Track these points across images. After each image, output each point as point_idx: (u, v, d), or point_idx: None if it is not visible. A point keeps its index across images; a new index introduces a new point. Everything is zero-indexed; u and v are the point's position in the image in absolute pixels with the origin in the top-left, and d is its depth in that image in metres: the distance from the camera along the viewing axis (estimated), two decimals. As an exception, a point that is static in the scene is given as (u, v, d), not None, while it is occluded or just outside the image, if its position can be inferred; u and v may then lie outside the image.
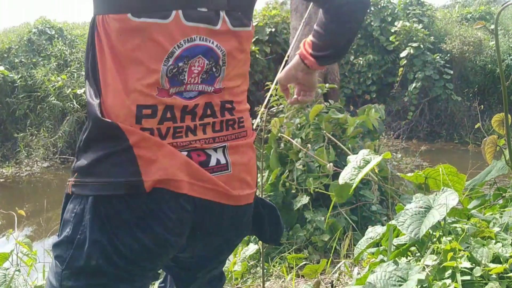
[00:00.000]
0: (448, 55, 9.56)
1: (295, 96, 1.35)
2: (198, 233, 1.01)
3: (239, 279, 2.65)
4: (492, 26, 1.81)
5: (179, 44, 0.90)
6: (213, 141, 0.98)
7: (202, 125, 0.97)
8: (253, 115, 4.04)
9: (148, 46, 0.89)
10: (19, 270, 2.06)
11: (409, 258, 1.45)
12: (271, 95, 3.85)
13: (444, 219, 1.33)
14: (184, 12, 0.89)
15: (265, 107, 2.62)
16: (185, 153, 0.94)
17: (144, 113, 0.90)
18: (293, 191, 3.17)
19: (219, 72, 0.97)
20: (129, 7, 0.87)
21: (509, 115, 1.73)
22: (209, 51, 0.94)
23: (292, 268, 2.57)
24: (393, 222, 1.42)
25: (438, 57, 9.41)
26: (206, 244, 1.09)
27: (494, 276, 1.16)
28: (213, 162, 0.98)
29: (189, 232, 0.99)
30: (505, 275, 1.15)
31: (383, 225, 1.73)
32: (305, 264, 2.49)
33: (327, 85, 3.83)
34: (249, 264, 2.82)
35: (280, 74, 1.40)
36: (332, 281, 2.14)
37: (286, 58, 2.72)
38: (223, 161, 0.99)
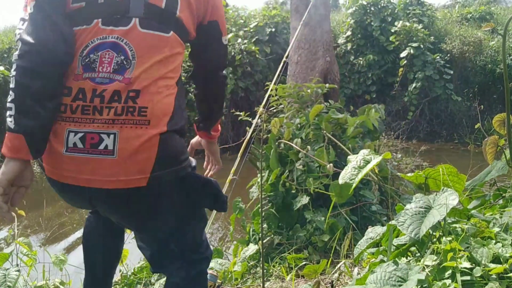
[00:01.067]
0: (448, 55, 9.57)
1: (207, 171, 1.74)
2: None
3: (239, 279, 2.65)
4: (488, 23, 1.81)
5: (93, 40, 1.21)
6: (113, 123, 1.17)
7: (107, 107, 1.18)
8: (253, 114, 4.05)
9: (76, 43, 1.21)
10: (19, 271, 2.06)
11: (409, 258, 1.45)
12: (270, 95, 3.85)
13: (444, 219, 1.33)
14: (103, 20, 1.21)
15: (264, 107, 2.62)
16: (82, 134, 1.18)
17: (63, 92, 1.20)
18: (293, 191, 3.16)
19: (130, 65, 1.20)
20: (74, 23, 1.23)
21: (510, 115, 1.73)
22: (117, 46, 1.20)
23: (292, 268, 2.57)
24: (393, 222, 1.42)
25: (438, 57, 9.41)
26: (111, 216, 1.39)
27: (494, 276, 1.16)
28: (102, 146, 1.18)
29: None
30: (505, 275, 1.15)
31: (383, 225, 1.73)
32: (305, 264, 2.49)
33: (327, 85, 3.83)
34: (249, 264, 2.82)
35: (193, 139, 1.79)
36: (332, 281, 2.14)
37: (284, 59, 2.73)
38: (110, 147, 1.18)
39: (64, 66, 1.20)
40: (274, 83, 2.67)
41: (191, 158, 1.39)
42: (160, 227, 1.39)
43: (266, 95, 2.81)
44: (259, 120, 3.76)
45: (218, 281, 2.08)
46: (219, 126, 1.72)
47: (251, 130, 2.46)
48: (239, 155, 2.37)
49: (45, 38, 1.17)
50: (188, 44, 1.43)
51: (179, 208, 1.37)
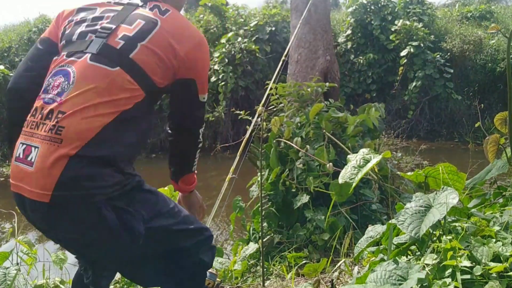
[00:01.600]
0: (449, 54, 9.56)
1: None
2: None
3: (239, 278, 2.65)
4: (493, 25, 1.80)
5: (54, 68, 1.46)
6: (40, 138, 1.33)
7: (42, 124, 1.35)
8: (253, 113, 4.05)
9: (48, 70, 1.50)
10: (19, 270, 2.06)
11: (409, 257, 1.45)
12: (271, 94, 3.85)
13: (444, 218, 1.33)
14: (67, 53, 1.47)
15: (263, 105, 2.62)
16: (25, 146, 1.37)
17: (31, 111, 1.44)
18: (293, 190, 3.16)
19: (68, 89, 1.37)
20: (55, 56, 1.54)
21: None
22: (67, 73, 1.42)
23: (292, 267, 2.57)
24: (393, 221, 1.42)
25: (438, 56, 9.40)
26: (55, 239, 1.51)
27: (494, 275, 1.15)
28: (29, 157, 1.33)
29: None
30: (505, 274, 1.15)
31: (383, 224, 1.73)
32: (305, 263, 2.49)
33: (327, 84, 3.83)
34: (249, 263, 2.82)
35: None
36: (332, 280, 2.14)
37: (283, 58, 2.72)
38: (33, 159, 1.32)
39: (24, 100, 1.51)
40: (274, 82, 2.67)
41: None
42: (89, 253, 1.54)
43: (266, 94, 2.80)
44: (258, 119, 3.76)
45: (218, 279, 2.08)
46: (192, 180, 1.81)
47: (250, 129, 2.46)
48: (238, 153, 2.37)
49: (15, 81, 1.59)
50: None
51: (99, 236, 1.40)
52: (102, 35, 1.47)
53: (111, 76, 1.40)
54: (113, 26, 1.48)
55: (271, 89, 3.11)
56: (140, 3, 1.58)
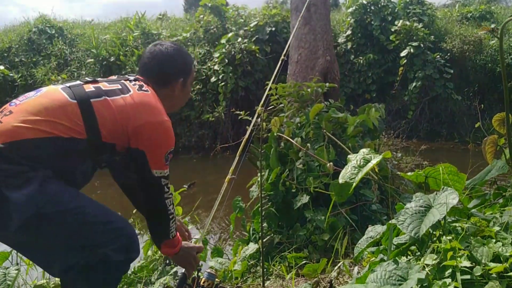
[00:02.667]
0: (448, 54, 9.55)
1: None
2: None
3: (239, 278, 2.65)
4: (492, 25, 1.80)
5: None
6: None
7: None
8: (253, 114, 4.04)
9: None
10: (19, 270, 2.06)
11: (409, 257, 1.45)
12: (270, 94, 3.85)
13: (444, 218, 1.33)
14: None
15: (262, 106, 2.62)
16: None
17: None
18: (293, 190, 3.16)
19: (29, 98, 1.67)
20: None
21: (510, 115, 1.73)
22: (40, 90, 1.73)
23: (292, 267, 2.56)
24: (393, 221, 1.42)
25: (438, 56, 9.39)
26: None
27: (494, 275, 1.15)
28: None
29: None
30: (505, 274, 1.15)
31: (383, 224, 1.73)
32: (305, 263, 2.49)
33: (327, 84, 3.83)
34: (249, 263, 2.82)
35: None
36: (331, 280, 2.14)
37: (282, 57, 2.71)
38: None
39: None
40: (273, 82, 2.67)
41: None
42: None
43: (265, 94, 2.80)
44: (258, 120, 3.75)
45: (217, 280, 2.08)
46: (175, 243, 1.90)
47: (250, 129, 2.47)
48: (237, 154, 2.37)
49: None
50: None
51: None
52: (86, 81, 1.73)
53: (66, 104, 1.61)
54: (98, 80, 1.75)
55: (270, 89, 3.10)
56: (131, 78, 1.82)
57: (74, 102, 1.62)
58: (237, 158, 2.27)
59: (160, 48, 1.90)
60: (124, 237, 1.72)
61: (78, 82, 1.73)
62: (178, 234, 1.91)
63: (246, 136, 2.41)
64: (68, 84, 1.70)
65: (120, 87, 1.74)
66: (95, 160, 1.73)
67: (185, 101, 2.06)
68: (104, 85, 1.73)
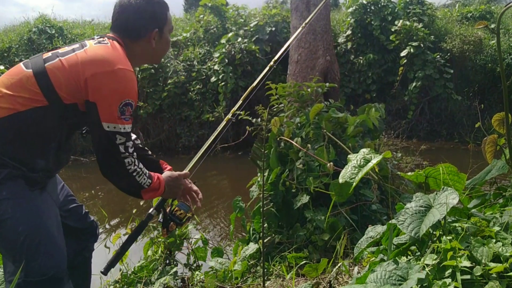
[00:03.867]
0: (448, 54, 9.55)
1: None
2: None
3: (239, 278, 2.65)
4: (493, 25, 1.80)
5: None
6: None
7: None
8: (253, 114, 4.04)
9: None
10: (19, 270, 2.06)
11: (409, 257, 1.45)
12: (270, 95, 3.85)
13: (444, 218, 1.33)
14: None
15: (238, 109, 2.60)
16: None
17: None
18: (293, 190, 3.16)
19: None
20: None
21: (509, 114, 1.73)
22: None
23: (292, 267, 2.57)
24: (393, 221, 1.42)
25: (438, 56, 9.39)
26: None
27: (494, 275, 1.16)
28: None
29: None
30: (505, 274, 1.15)
31: (383, 224, 1.73)
32: (305, 263, 2.49)
33: (327, 84, 3.83)
34: (249, 263, 2.82)
35: None
36: (330, 281, 2.14)
37: (271, 63, 2.66)
38: None
39: None
40: (257, 87, 2.65)
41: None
42: None
43: (242, 99, 2.77)
44: (259, 120, 3.75)
45: (189, 214, 2.02)
46: (154, 188, 1.82)
47: (214, 135, 2.46)
48: (198, 155, 2.37)
49: None
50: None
51: None
52: (48, 49, 1.71)
53: (21, 75, 1.61)
54: (61, 47, 1.71)
55: (250, 93, 3.08)
56: (97, 37, 1.76)
57: (29, 71, 1.61)
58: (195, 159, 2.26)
59: (129, 0, 1.78)
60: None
61: (40, 53, 1.71)
62: (155, 178, 1.81)
63: (211, 138, 2.39)
64: (31, 57, 1.69)
65: (77, 45, 1.69)
66: (67, 126, 1.69)
67: (166, 51, 1.94)
68: (62, 49, 1.69)
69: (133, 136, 1.99)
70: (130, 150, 1.68)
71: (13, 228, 1.58)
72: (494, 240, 1.27)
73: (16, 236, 1.59)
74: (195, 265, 2.99)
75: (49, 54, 1.67)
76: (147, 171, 1.78)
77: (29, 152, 1.63)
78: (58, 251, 1.66)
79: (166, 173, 1.96)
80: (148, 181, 1.77)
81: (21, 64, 1.67)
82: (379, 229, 1.61)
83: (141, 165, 1.74)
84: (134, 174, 1.71)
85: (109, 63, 1.61)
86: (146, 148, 2.15)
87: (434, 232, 1.38)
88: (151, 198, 1.88)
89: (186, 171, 2.06)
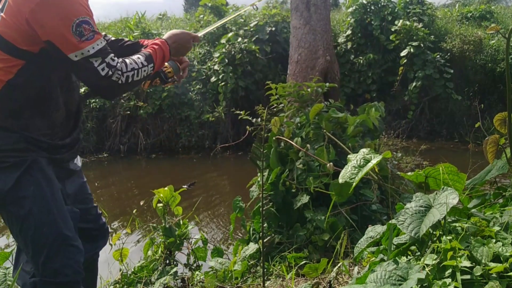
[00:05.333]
0: (448, 54, 9.55)
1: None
2: None
3: (239, 278, 2.65)
4: (493, 25, 1.80)
5: None
6: None
7: None
8: (253, 114, 4.04)
9: None
10: (19, 270, 2.06)
11: (409, 257, 1.45)
12: (270, 95, 3.85)
13: (444, 218, 1.33)
14: None
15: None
16: None
17: None
18: (293, 190, 3.16)
19: None
20: None
21: (511, 115, 1.72)
22: None
23: (292, 267, 2.56)
24: (393, 221, 1.42)
25: (438, 56, 9.39)
26: None
27: (494, 275, 1.16)
28: None
29: None
30: (505, 274, 1.15)
31: (383, 224, 1.73)
32: (305, 263, 2.49)
33: (327, 84, 3.83)
34: (249, 264, 2.82)
35: None
36: (331, 281, 2.14)
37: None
38: None
39: None
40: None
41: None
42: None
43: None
44: (259, 119, 3.75)
45: (176, 78, 1.91)
46: (160, 57, 1.72)
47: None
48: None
49: None
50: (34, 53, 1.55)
51: None
52: (0, 10, 1.55)
53: None
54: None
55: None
56: None
57: None
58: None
59: None
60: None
61: None
62: (154, 54, 1.69)
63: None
64: None
65: None
66: (58, 78, 1.64)
67: None
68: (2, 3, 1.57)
69: (103, 36, 1.85)
70: (113, 63, 1.55)
71: (37, 227, 1.58)
72: (494, 240, 1.27)
73: (39, 236, 1.58)
74: (195, 265, 2.99)
75: None
76: (141, 57, 1.64)
77: (39, 116, 1.60)
78: (78, 255, 1.65)
79: (173, 32, 1.83)
80: (150, 66, 1.66)
81: None
82: (379, 229, 1.61)
83: (130, 64, 1.60)
84: (132, 79, 1.60)
85: None
86: (120, 38, 1.99)
87: (434, 232, 1.38)
88: (163, 65, 1.79)
89: (198, 34, 1.93)
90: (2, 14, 1.52)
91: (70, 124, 1.74)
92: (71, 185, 1.81)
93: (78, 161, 1.89)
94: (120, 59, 1.59)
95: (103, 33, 1.87)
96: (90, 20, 1.51)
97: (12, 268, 2.04)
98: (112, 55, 1.56)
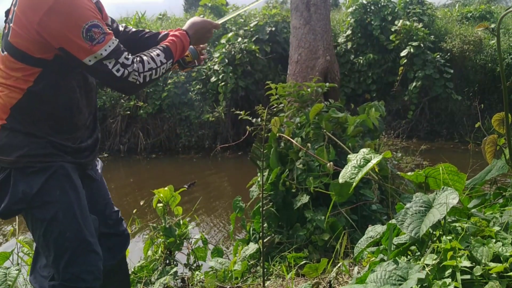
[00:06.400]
0: (448, 54, 9.55)
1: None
2: None
3: (239, 278, 2.65)
4: (493, 25, 1.80)
5: None
6: None
7: None
8: (253, 114, 4.04)
9: None
10: (19, 270, 2.06)
11: (409, 257, 1.45)
12: (270, 94, 3.85)
13: (444, 218, 1.33)
14: None
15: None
16: None
17: None
18: (293, 190, 3.16)
19: None
20: None
21: (509, 114, 1.73)
22: None
23: (292, 267, 2.57)
24: (393, 221, 1.42)
25: (438, 56, 9.39)
26: None
27: (494, 275, 1.16)
28: None
29: None
30: (505, 274, 1.15)
31: (383, 224, 1.73)
32: (305, 263, 2.49)
33: (327, 84, 3.83)
34: (249, 264, 2.82)
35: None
36: (331, 281, 2.14)
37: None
38: None
39: None
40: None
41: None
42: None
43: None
44: (259, 119, 3.75)
45: (196, 63, 1.90)
46: (181, 50, 1.73)
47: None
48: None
49: None
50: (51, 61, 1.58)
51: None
52: (10, 20, 1.57)
53: (3, 60, 1.58)
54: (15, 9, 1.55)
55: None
56: None
57: (5, 54, 1.58)
58: None
59: None
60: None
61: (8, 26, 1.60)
62: (173, 47, 1.67)
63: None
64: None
65: (15, 0, 1.57)
66: (76, 82, 1.66)
67: None
68: (11, 13, 1.58)
69: (118, 27, 1.88)
70: (128, 62, 1.54)
71: (61, 232, 1.59)
72: (494, 240, 1.27)
73: (62, 240, 1.60)
74: (195, 265, 2.99)
75: (7, 25, 1.59)
76: (161, 54, 1.62)
77: (62, 121, 1.63)
78: (99, 261, 1.67)
79: (193, 21, 1.82)
80: (169, 62, 1.65)
81: None
82: (379, 229, 1.61)
83: (148, 63, 1.59)
84: (150, 78, 1.60)
85: (40, 2, 1.46)
86: (140, 29, 1.98)
87: (434, 232, 1.38)
88: (183, 55, 1.78)
89: (218, 22, 1.92)
90: (11, 25, 1.54)
91: (91, 125, 1.77)
92: (93, 191, 1.82)
93: (99, 166, 1.91)
94: (138, 58, 1.59)
95: (123, 24, 1.92)
96: (99, 23, 1.52)
97: (12, 268, 2.04)
98: (126, 53, 1.55)
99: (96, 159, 1.87)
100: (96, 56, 1.50)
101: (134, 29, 1.97)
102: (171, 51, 1.67)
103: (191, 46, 1.85)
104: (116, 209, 1.96)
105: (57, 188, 1.59)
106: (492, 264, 1.17)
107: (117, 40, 1.57)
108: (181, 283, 2.73)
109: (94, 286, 1.64)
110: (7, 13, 1.61)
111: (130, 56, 1.56)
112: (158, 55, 1.63)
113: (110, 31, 1.56)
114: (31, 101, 1.57)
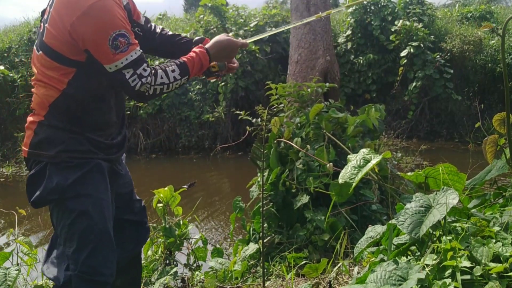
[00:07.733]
0: (448, 54, 9.55)
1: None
2: None
3: (239, 279, 2.65)
4: (493, 25, 1.80)
5: None
6: None
7: None
8: (253, 114, 4.04)
9: None
10: (19, 270, 2.06)
11: (409, 257, 1.45)
12: (270, 94, 3.85)
13: (444, 218, 1.33)
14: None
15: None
16: None
17: None
18: (293, 191, 3.16)
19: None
20: None
21: (510, 114, 1.73)
22: None
23: (292, 267, 2.57)
24: (393, 221, 1.42)
25: (438, 56, 9.39)
26: None
27: (494, 275, 1.16)
28: None
29: None
30: (505, 274, 1.15)
31: (383, 224, 1.73)
32: (305, 263, 2.49)
33: (327, 84, 3.83)
34: (249, 264, 2.82)
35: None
36: (331, 281, 2.14)
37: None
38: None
39: None
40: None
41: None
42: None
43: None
44: (259, 119, 3.75)
45: (223, 72, 1.95)
46: (199, 68, 1.77)
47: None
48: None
49: None
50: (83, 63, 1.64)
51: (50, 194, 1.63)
52: (45, 20, 1.64)
53: (39, 59, 1.65)
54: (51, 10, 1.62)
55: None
56: None
57: (40, 53, 1.64)
58: None
59: None
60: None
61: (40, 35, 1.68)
62: (190, 65, 1.71)
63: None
64: (37, 40, 1.70)
65: (51, 1, 1.63)
66: (108, 83, 1.70)
67: None
68: (46, 13, 1.66)
69: (153, 28, 1.96)
70: (145, 73, 1.59)
71: (89, 224, 1.64)
72: (494, 240, 1.27)
73: (89, 232, 1.64)
74: (195, 265, 2.99)
75: (42, 25, 1.66)
76: (176, 70, 1.66)
77: (96, 118, 1.70)
78: (115, 259, 1.72)
79: (218, 40, 1.90)
80: (184, 78, 1.70)
81: (34, 47, 1.70)
82: (379, 229, 1.61)
83: (161, 78, 1.63)
84: (160, 91, 1.65)
85: (78, 3, 1.52)
86: (177, 33, 2.06)
87: (434, 232, 1.38)
88: (200, 73, 1.82)
89: (247, 41, 2.03)
90: (46, 25, 1.60)
91: (119, 122, 1.84)
92: (119, 185, 1.90)
93: (123, 156, 1.97)
94: (153, 71, 1.64)
95: (160, 26, 1.99)
96: (127, 33, 1.57)
97: (11, 268, 2.04)
98: (145, 65, 1.61)
99: (124, 153, 1.94)
100: (117, 65, 1.57)
101: (170, 33, 2.05)
102: (187, 67, 1.71)
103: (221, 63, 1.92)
104: (138, 198, 2.03)
105: (90, 183, 1.65)
106: (492, 264, 1.17)
107: (140, 50, 1.62)
108: (181, 283, 2.73)
109: (109, 282, 1.69)
110: (43, 13, 1.69)
111: (148, 68, 1.62)
112: (173, 70, 1.68)
113: (135, 42, 1.61)
114: (66, 100, 1.63)
